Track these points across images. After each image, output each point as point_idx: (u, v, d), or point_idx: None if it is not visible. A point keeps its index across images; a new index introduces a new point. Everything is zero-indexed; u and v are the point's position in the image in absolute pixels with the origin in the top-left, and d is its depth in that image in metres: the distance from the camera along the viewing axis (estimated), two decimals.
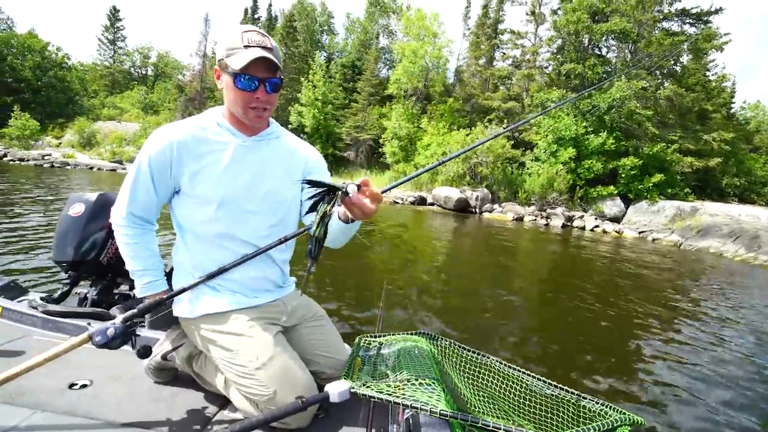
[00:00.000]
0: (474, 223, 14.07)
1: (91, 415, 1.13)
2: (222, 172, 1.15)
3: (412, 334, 1.39)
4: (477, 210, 17.23)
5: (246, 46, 1.06)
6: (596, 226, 15.46)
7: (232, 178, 1.16)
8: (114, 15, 44.02)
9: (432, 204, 18.36)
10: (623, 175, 17.61)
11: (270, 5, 36.29)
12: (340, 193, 0.84)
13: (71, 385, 1.26)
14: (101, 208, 1.76)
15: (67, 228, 1.75)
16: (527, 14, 25.08)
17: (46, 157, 25.62)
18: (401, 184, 1.25)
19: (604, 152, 17.94)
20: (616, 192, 17.67)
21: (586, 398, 1.03)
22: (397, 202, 18.47)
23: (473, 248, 9.08)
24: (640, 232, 14.95)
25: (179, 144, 1.12)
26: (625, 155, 17.87)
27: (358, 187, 0.84)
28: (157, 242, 1.25)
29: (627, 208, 17.40)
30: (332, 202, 0.84)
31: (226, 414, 1.22)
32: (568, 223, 15.79)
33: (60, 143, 31.57)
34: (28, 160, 24.65)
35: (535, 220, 15.99)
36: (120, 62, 44.82)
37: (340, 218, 1.03)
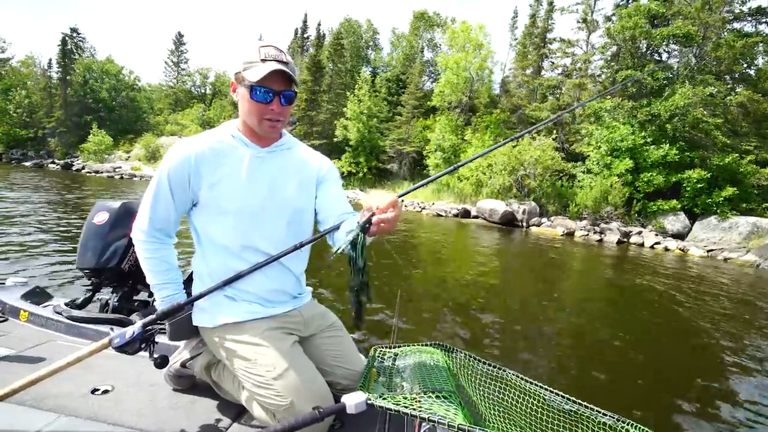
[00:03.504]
0: (519, 237, 13.52)
1: (112, 420, 1.16)
2: (238, 183, 1.18)
3: (427, 345, 1.37)
4: (524, 224, 16.57)
5: (263, 60, 1.10)
6: (657, 243, 14.26)
7: (247, 189, 1.18)
8: (179, 40, 47.89)
9: (476, 217, 17.92)
10: (688, 188, 16.18)
11: (319, 24, 37.82)
12: (366, 225, 0.89)
13: (93, 391, 1.30)
14: (123, 217, 1.81)
15: (90, 235, 1.80)
16: (578, 22, 24.14)
17: (116, 170, 28.13)
18: (416, 189, 1.24)
19: (666, 164, 16.64)
20: (679, 207, 16.27)
21: (606, 414, 1.00)
22: (440, 215, 18.22)
23: (514, 263, 8.68)
24: (708, 251, 13.59)
25: (197, 156, 1.15)
26: (690, 167, 16.44)
27: (372, 215, 0.91)
28: (176, 256, 1.27)
29: (692, 224, 15.95)
30: (363, 234, 0.89)
31: (243, 423, 1.23)
32: (625, 239, 14.71)
33: (129, 157, 34.52)
34: (101, 173, 27.19)
35: (587, 235, 15.07)
36: (182, 82, 48.47)
37: None
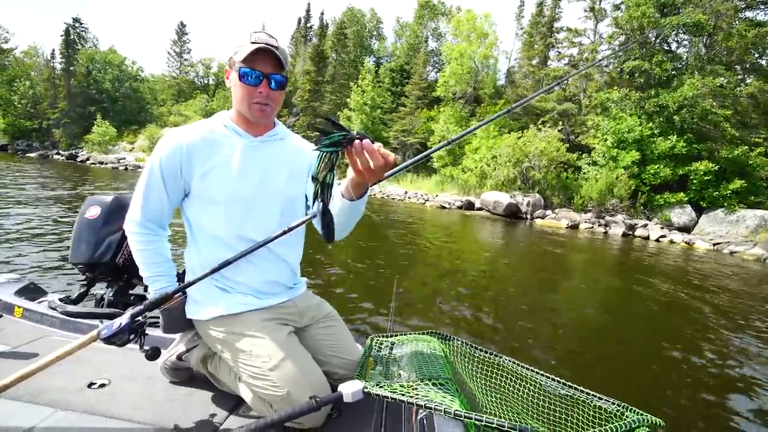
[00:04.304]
0: (523, 229, 13.46)
1: (108, 414, 1.16)
2: (230, 173, 1.17)
3: (423, 333, 1.39)
4: (528, 216, 16.50)
5: (253, 43, 1.12)
6: (662, 236, 14.15)
7: (240, 179, 1.18)
8: (181, 30, 47.58)
9: (480, 209, 17.85)
10: (695, 181, 15.99)
11: (322, 14, 37.49)
12: (353, 135, 0.80)
13: (90, 385, 1.30)
14: (116, 211, 1.79)
15: (83, 230, 1.79)
16: (586, 11, 23.78)
17: (121, 161, 28.20)
18: (406, 167, 1.18)
19: (674, 156, 16.43)
20: (686, 199, 16.10)
21: (602, 399, 1.00)
22: (444, 207, 18.16)
23: (517, 254, 8.63)
24: (714, 244, 13.47)
25: (189, 146, 1.14)
26: (698, 159, 16.24)
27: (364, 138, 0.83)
28: (169, 248, 1.26)
29: (699, 217, 15.80)
30: (342, 142, 0.81)
31: (240, 414, 1.23)
32: (630, 232, 14.61)
33: (133, 148, 34.60)
34: (106, 164, 27.29)
35: (592, 227, 14.99)
36: (185, 73, 48.27)
37: (343, 195, 1.02)
